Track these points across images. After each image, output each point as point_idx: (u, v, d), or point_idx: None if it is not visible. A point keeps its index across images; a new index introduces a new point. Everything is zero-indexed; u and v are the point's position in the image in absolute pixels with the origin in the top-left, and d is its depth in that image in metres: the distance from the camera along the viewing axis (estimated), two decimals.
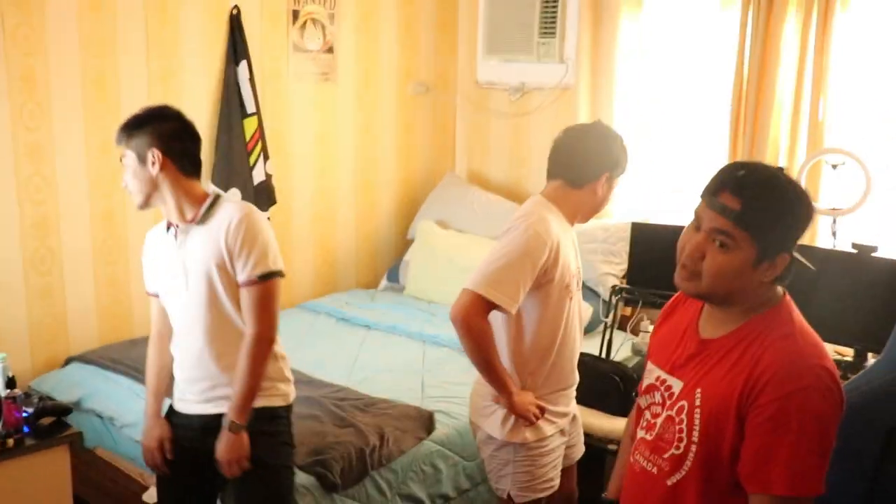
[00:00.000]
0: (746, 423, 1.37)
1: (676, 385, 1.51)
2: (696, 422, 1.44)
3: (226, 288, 2.00)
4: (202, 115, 3.69)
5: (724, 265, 1.39)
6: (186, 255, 2.03)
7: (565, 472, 2.36)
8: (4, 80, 3.10)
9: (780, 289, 1.48)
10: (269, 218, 3.94)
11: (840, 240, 3.32)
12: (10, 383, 2.56)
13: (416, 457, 2.71)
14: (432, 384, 3.13)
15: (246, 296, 2.00)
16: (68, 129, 3.31)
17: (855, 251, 2.98)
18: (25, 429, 2.58)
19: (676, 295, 1.67)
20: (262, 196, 3.85)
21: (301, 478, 2.40)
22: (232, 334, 2.03)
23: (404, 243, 4.66)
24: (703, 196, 1.44)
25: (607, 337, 3.29)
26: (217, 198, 2.05)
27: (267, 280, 1.99)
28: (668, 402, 1.51)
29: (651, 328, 2.89)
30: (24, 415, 2.60)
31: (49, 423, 2.62)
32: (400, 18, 4.47)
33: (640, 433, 1.59)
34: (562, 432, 2.29)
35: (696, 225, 1.44)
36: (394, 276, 4.40)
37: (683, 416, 1.46)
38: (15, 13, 3.11)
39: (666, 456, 1.49)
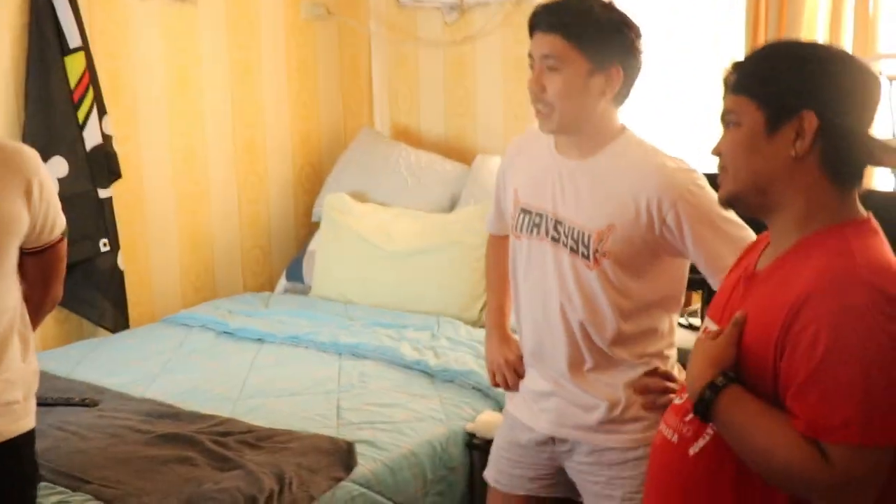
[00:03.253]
0: (782, 361, 1.46)
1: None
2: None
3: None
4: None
5: (736, 142, 1.59)
6: None
7: None
8: None
9: (861, 208, 1.56)
10: (111, 198, 3.85)
11: None
12: None
13: None
14: (351, 407, 3.15)
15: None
16: None
17: None
18: None
19: (752, 242, 1.82)
20: (99, 167, 3.81)
21: None
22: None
23: (308, 228, 4.67)
24: (735, 87, 1.60)
25: None
26: None
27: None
28: None
29: None
30: None
31: None
32: None
33: (675, 399, 1.72)
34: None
35: (731, 121, 1.61)
36: (295, 272, 4.44)
37: None
38: None
39: (688, 418, 1.59)
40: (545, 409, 2.37)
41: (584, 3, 2.16)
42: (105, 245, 3.82)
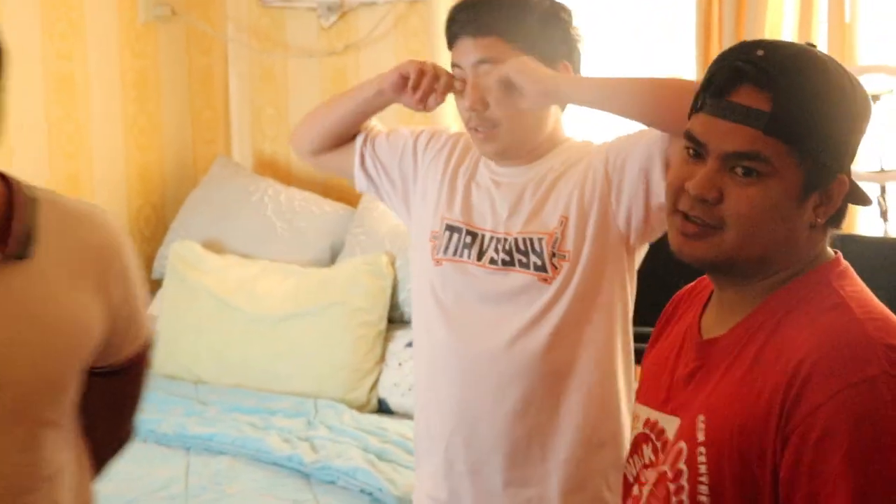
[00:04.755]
0: (786, 453, 1.40)
1: (671, 425, 1.57)
2: (703, 470, 1.47)
3: None
4: None
5: (759, 202, 1.46)
6: None
7: None
8: None
9: (828, 247, 1.58)
10: None
11: (894, 221, 3.59)
12: None
13: None
14: None
15: None
16: None
17: None
18: None
19: (674, 297, 1.80)
20: None
21: None
22: None
23: (147, 286, 4.35)
24: (700, 102, 1.51)
25: None
26: None
27: None
28: (662, 455, 1.57)
29: None
30: None
31: None
32: None
33: None
34: None
35: (694, 151, 1.51)
36: None
37: (682, 465, 1.50)
38: None
39: None
40: None
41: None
42: None
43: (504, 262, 2.31)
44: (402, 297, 4.14)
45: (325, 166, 2.65)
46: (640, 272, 2.42)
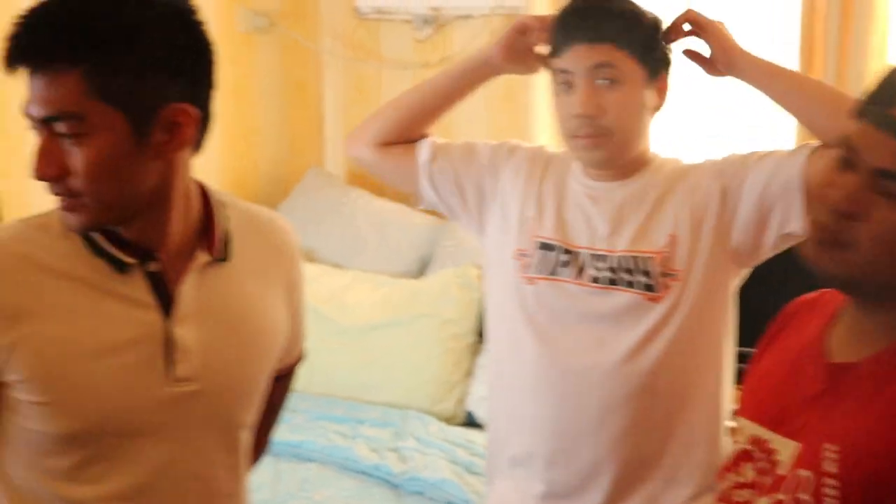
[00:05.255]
0: None
1: (786, 448, 1.53)
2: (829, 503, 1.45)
3: None
4: None
5: None
6: None
7: None
8: None
9: None
10: None
11: None
12: None
13: None
14: None
15: None
16: None
17: None
18: None
19: (786, 307, 1.78)
20: None
21: None
22: None
23: None
24: (864, 108, 1.47)
25: None
26: None
27: None
28: (774, 478, 1.53)
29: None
30: None
31: None
32: None
33: None
34: None
35: (847, 159, 1.46)
36: None
37: (804, 495, 1.46)
38: None
39: None
40: None
41: (625, 3, 2.26)
42: None
43: (608, 281, 2.32)
44: None
45: (385, 167, 2.57)
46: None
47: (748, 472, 1.59)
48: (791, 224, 2.26)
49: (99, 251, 1.71)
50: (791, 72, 2.42)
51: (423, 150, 2.43)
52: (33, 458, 1.72)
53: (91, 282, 1.71)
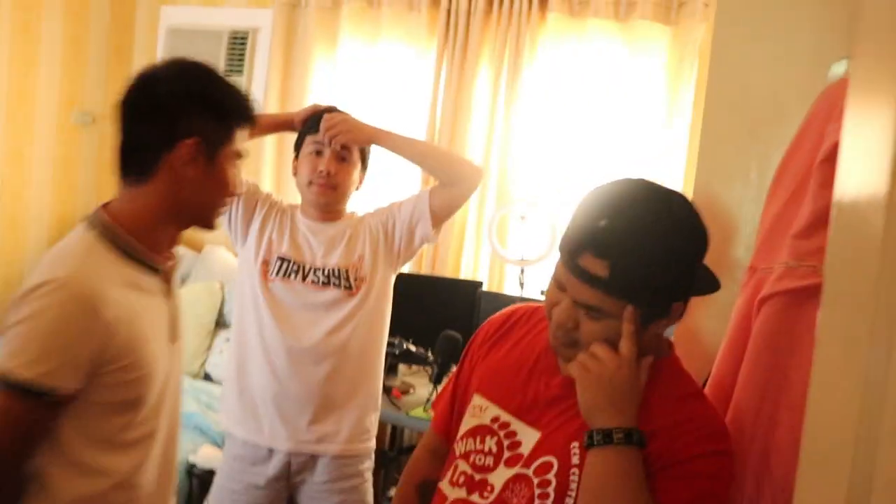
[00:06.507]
0: (658, 476, 1.50)
1: (529, 436, 1.62)
2: (573, 486, 1.55)
3: None
4: None
5: (602, 334, 1.54)
6: None
7: None
8: None
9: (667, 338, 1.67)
10: None
11: (528, 288, 4.47)
12: None
13: None
14: None
15: None
16: None
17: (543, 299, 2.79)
18: None
19: (514, 310, 1.87)
20: None
21: None
22: None
23: None
24: (560, 252, 1.56)
25: None
26: None
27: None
28: (511, 455, 1.62)
29: None
30: None
31: None
32: (66, 37, 5.30)
33: (451, 490, 1.70)
34: None
35: (561, 284, 1.56)
36: None
37: (551, 475, 1.56)
38: None
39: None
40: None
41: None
42: None
43: (322, 282, 2.71)
44: (226, 309, 4.81)
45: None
46: None
47: (490, 444, 1.64)
48: (426, 236, 2.78)
49: (138, 260, 1.86)
50: (407, 137, 2.78)
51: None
52: (92, 425, 1.77)
53: (139, 285, 1.85)
